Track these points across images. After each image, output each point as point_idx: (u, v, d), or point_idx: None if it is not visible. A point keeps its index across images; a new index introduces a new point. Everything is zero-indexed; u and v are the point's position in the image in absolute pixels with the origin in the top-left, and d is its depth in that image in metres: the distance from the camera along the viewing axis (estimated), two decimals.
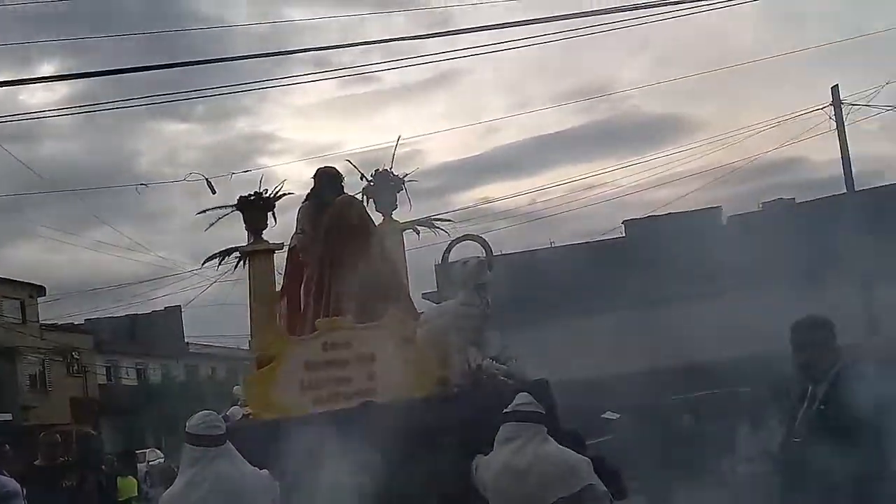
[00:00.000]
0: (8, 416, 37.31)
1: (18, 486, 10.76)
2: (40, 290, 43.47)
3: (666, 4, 14.11)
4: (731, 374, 22.19)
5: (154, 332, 53.20)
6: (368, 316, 8.39)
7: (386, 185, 9.65)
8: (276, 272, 9.38)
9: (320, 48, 17.81)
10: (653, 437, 17.72)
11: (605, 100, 72.81)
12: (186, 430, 6.53)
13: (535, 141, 68.49)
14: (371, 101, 78.21)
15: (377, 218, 9.70)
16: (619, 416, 20.29)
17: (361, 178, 9.71)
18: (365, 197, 9.67)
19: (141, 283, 74.65)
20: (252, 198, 9.43)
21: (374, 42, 16.87)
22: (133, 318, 52.28)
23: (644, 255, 30.61)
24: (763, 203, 38.98)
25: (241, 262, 9.58)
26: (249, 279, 9.40)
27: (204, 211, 9.63)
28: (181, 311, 49.86)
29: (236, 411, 8.23)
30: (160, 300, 50.03)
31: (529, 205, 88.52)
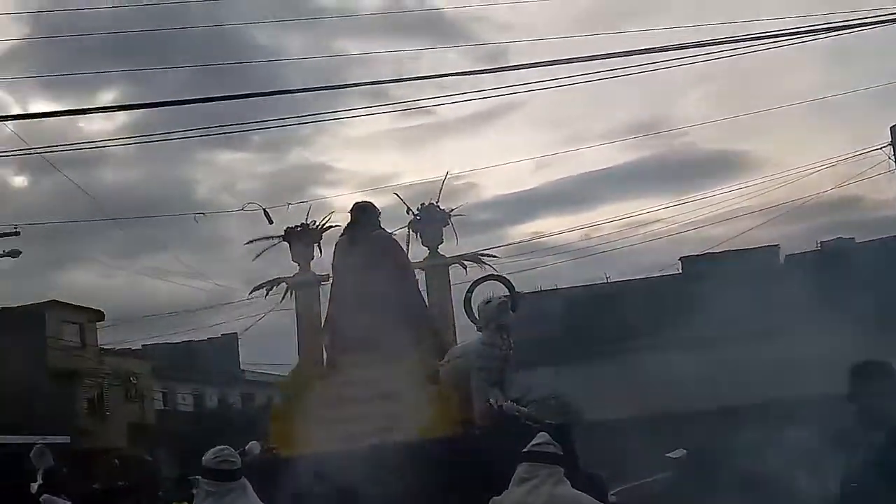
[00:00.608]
0: (66, 440, 37.67)
1: None
2: (99, 315, 43.94)
3: (720, 43, 13.94)
4: (786, 416, 21.79)
5: (210, 358, 53.59)
6: (392, 354, 8.36)
7: (432, 219, 9.69)
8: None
9: (376, 82, 17.77)
10: (714, 477, 17.46)
11: (658, 136, 72.09)
12: (202, 463, 6.54)
13: (590, 176, 68.09)
14: (426, 133, 78.38)
15: (423, 252, 9.74)
16: (683, 454, 20.04)
17: (408, 212, 9.75)
18: (411, 231, 9.69)
19: (198, 310, 75.27)
20: (299, 229, 9.52)
21: (429, 77, 16.76)
22: (190, 345, 52.72)
23: (701, 292, 30.26)
24: (822, 242, 38.43)
25: (288, 293, 9.66)
26: (295, 310, 9.49)
27: (252, 241, 9.76)
28: (237, 339, 50.25)
29: (254, 446, 8.24)
30: (217, 327, 50.48)
31: (583, 239, 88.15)
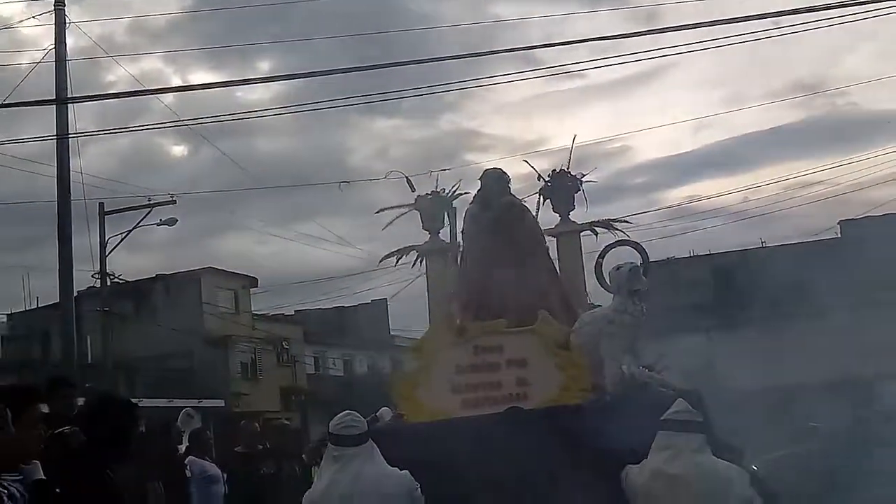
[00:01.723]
0: (220, 403, 38.90)
1: (219, 470, 11.24)
2: (253, 282, 45.16)
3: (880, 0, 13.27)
4: None
5: (360, 324, 54.55)
6: (522, 320, 8.26)
7: (562, 185, 9.54)
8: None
9: (524, 48, 17.68)
10: (855, 448, 16.99)
11: (820, 96, 69.66)
12: (329, 429, 6.61)
13: (747, 138, 66.42)
14: (577, 97, 77.71)
15: (554, 219, 9.61)
16: (827, 425, 19.55)
17: (539, 179, 9.64)
18: (542, 198, 9.57)
19: (348, 276, 76.66)
20: (429, 196, 9.52)
21: (579, 41, 16.54)
22: (340, 311, 53.78)
23: (860, 256, 29.26)
24: None
25: (419, 261, 9.69)
26: (427, 278, 9.50)
27: (382, 209, 9.80)
28: (387, 305, 51.02)
29: (385, 412, 8.26)
30: (367, 293, 51.33)
31: (741, 202, 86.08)
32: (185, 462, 11.03)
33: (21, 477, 4.55)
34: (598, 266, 8.62)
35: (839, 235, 37.43)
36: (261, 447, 11.88)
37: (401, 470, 6.45)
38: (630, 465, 6.60)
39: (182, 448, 11.46)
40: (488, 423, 7.40)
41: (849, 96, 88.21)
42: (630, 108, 72.84)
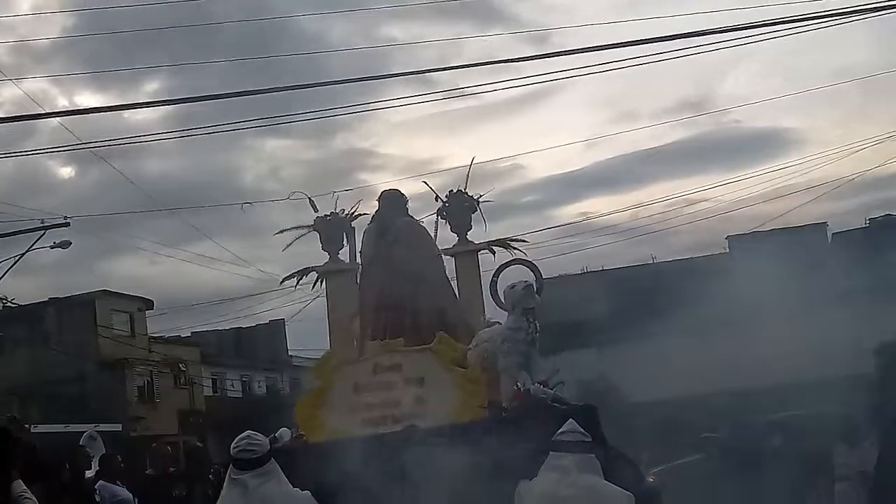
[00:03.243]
0: (118, 427, 38.22)
1: (131, 495, 11.10)
2: (149, 304, 44.50)
3: (764, 25, 13.74)
4: (825, 394, 21.70)
5: (258, 344, 54.15)
6: (420, 339, 8.41)
7: (460, 205, 9.71)
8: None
9: (418, 71, 17.80)
10: (746, 456, 17.51)
11: (705, 115, 71.43)
12: (230, 452, 6.63)
13: (636, 156, 67.90)
14: (470, 116, 78.40)
15: (452, 238, 9.79)
16: (717, 435, 20.08)
17: (436, 199, 9.79)
18: (439, 217, 9.72)
19: (245, 297, 75.92)
20: (328, 217, 9.60)
21: (474, 65, 16.71)
22: (238, 331, 53.30)
23: (746, 271, 30.02)
24: (869, 219, 38.02)
25: (319, 282, 9.76)
26: (326, 298, 9.58)
27: (282, 231, 9.86)
28: (285, 325, 50.71)
29: (285, 432, 8.32)
30: (264, 314, 50.94)
31: (631, 220, 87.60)
32: (96, 487, 10.89)
33: None
34: (493, 284, 8.82)
35: (727, 251, 38.30)
36: (172, 469, 11.81)
37: (302, 490, 6.51)
38: (523, 482, 6.75)
39: (90, 473, 11.31)
40: (387, 442, 7.51)
41: (732, 114, 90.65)
42: (521, 127, 73.73)
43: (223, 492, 6.61)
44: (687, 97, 74.84)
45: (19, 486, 6.55)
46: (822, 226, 37.26)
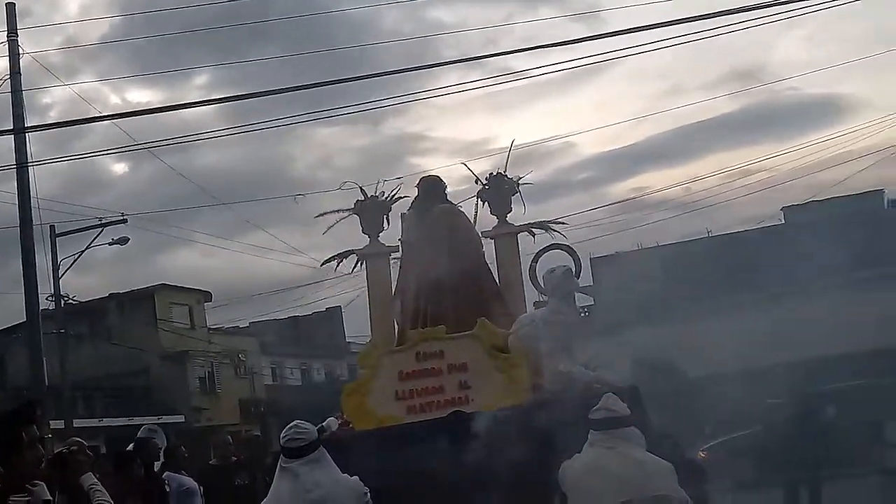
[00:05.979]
0: (180, 418, 38.82)
1: (196, 484, 11.35)
2: (207, 296, 45.03)
3: None
4: (883, 365, 21.53)
5: (316, 332, 54.62)
6: (462, 325, 8.50)
7: (500, 188, 9.72)
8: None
9: (467, 59, 18.03)
10: (803, 427, 17.39)
11: (759, 84, 70.51)
12: (280, 441, 6.78)
13: (690, 128, 67.24)
14: (520, 96, 78.19)
15: (493, 221, 9.85)
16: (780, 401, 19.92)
17: (476, 182, 9.83)
18: (480, 200, 9.78)
19: (301, 286, 76.36)
20: (367, 201, 9.68)
21: (523, 50, 16.71)
22: (296, 320, 53.78)
23: (804, 242, 29.73)
24: None
25: (359, 264, 9.82)
26: (367, 281, 9.65)
27: (322, 214, 9.94)
28: (342, 312, 51.12)
29: (332, 422, 8.45)
30: (322, 302, 51.33)
31: (685, 194, 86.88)
32: (163, 477, 11.14)
33: (29, 498, 4.65)
34: (532, 269, 8.87)
35: (783, 222, 37.91)
36: (234, 459, 12.04)
37: (350, 476, 6.64)
38: (565, 462, 6.84)
39: (158, 465, 11.56)
40: (432, 428, 7.62)
41: (787, 83, 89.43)
42: (574, 104, 73.39)
43: (275, 480, 6.77)
44: (739, 67, 74.01)
45: (90, 478, 6.67)
46: (879, 192, 36.71)
